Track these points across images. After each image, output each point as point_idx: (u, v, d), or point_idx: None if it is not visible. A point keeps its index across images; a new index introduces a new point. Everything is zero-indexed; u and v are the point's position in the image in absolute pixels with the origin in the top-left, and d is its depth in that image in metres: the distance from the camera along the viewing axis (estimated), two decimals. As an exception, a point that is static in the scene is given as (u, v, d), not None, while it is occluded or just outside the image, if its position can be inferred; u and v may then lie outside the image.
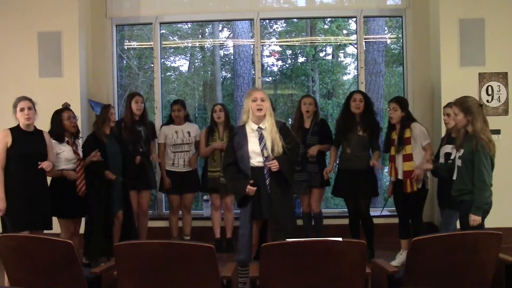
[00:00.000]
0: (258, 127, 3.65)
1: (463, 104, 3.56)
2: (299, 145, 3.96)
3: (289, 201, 3.79)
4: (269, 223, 3.69)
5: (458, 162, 3.64)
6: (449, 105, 4.35)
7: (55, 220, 4.26)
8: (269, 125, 3.63)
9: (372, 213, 5.04)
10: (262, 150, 3.61)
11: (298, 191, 5.07)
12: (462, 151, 3.60)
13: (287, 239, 2.69)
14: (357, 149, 4.79)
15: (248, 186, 3.57)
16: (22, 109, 3.93)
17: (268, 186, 3.61)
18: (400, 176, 4.58)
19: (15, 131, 3.95)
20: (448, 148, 4.24)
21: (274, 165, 3.58)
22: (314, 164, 4.95)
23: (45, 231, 4.02)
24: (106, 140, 4.67)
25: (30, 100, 3.99)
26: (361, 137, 4.78)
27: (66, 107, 4.86)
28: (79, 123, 4.91)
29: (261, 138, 3.63)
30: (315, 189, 5.01)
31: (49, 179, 4.29)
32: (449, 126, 4.29)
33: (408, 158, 4.52)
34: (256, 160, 3.63)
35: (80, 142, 4.67)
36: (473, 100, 3.59)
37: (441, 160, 4.31)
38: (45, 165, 3.96)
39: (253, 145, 3.63)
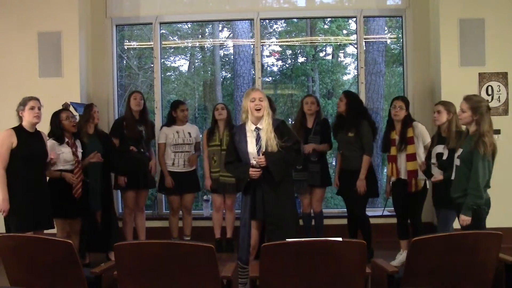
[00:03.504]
0: (256, 128, 3.65)
1: (474, 102, 3.53)
2: (300, 142, 3.87)
3: (288, 201, 3.73)
4: (266, 224, 3.68)
5: (457, 162, 3.62)
6: (440, 102, 4.34)
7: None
8: (265, 125, 3.62)
9: (372, 213, 5.04)
10: (258, 152, 3.61)
11: (299, 190, 5.08)
12: (461, 150, 3.58)
13: (287, 239, 2.68)
14: (346, 150, 4.80)
15: (251, 169, 3.56)
16: (32, 108, 3.94)
17: (263, 187, 3.60)
18: (403, 176, 4.57)
19: (19, 131, 3.95)
20: (439, 148, 4.22)
21: (261, 160, 3.56)
22: (315, 164, 4.96)
23: (46, 231, 4.04)
24: (87, 140, 4.68)
25: (39, 101, 4.02)
26: (348, 137, 4.77)
27: (65, 108, 4.86)
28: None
29: (257, 139, 3.63)
30: (317, 189, 5.03)
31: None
32: (438, 123, 4.27)
33: (411, 157, 4.51)
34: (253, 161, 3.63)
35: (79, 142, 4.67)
36: (484, 101, 3.57)
37: (433, 160, 4.28)
38: (53, 155, 4.09)
39: (251, 147, 3.64)
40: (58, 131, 4.39)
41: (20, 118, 4.00)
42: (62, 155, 4.35)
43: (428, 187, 4.60)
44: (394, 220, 4.81)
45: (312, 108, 5.02)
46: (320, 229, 5.11)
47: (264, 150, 3.59)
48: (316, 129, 5.01)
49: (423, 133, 4.57)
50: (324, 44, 8.87)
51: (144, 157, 5.12)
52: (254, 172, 3.56)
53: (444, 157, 4.09)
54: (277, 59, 8.73)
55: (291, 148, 3.64)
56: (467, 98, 3.58)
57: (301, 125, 5.05)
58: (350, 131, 4.76)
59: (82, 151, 4.53)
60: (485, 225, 3.52)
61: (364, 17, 5.96)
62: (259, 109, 3.60)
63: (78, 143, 4.54)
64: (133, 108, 5.10)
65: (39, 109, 3.98)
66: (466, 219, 3.45)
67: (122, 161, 4.91)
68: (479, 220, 3.50)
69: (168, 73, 8.67)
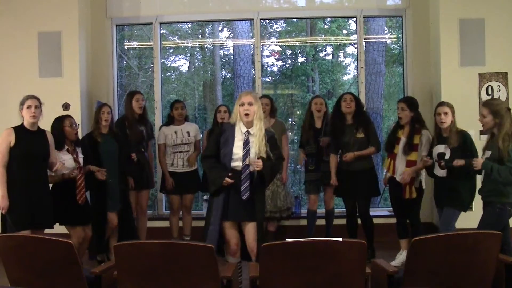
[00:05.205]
0: (247, 131, 3.61)
1: (492, 106, 3.72)
2: (283, 159, 4.03)
3: (260, 203, 3.69)
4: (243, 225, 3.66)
5: None
6: (442, 104, 4.32)
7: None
8: (256, 130, 3.57)
9: (373, 213, 5.05)
10: (244, 156, 3.56)
11: (310, 190, 5.12)
12: (489, 153, 3.71)
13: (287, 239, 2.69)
14: (357, 151, 4.77)
15: (226, 178, 3.53)
16: (29, 107, 3.93)
17: (242, 191, 3.55)
18: (397, 178, 4.55)
19: (19, 130, 3.95)
20: (441, 148, 4.21)
21: (259, 163, 3.53)
22: (327, 163, 4.99)
23: (47, 231, 4.01)
24: (100, 140, 4.66)
25: (38, 99, 4.00)
26: (359, 139, 4.77)
27: (65, 108, 4.86)
28: (79, 123, 4.90)
29: (246, 143, 3.58)
30: (329, 187, 5.07)
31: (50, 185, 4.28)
32: (444, 125, 4.25)
33: (411, 164, 4.47)
34: (236, 163, 3.58)
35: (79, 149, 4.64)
36: (502, 103, 3.75)
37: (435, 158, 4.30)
38: (59, 165, 4.05)
39: (237, 148, 3.59)
40: (59, 137, 4.32)
41: (22, 117, 4.00)
42: (64, 163, 4.33)
43: (424, 187, 4.60)
44: (394, 220, 4.81)
45: (321, 109, 5.11)
46: (330, 224, 5.20)
47: (251, 156, 3.55)
48: (326, 130, 5.05)
49: (426, 144, 4.47)
50: (324, 44, 8.88)
51: (143, 157, 5.10)
52: (228, 181, 3.52)
53: (447, 157, 4.13)
54: (277, 59, 8.74)
55: (277, 161, 3.70)
56: (486, 103, 3.78)
57: (310, 126, 5.12)
58: (359, 132, 4.78)
59: (83, 156, 4.50)
60: (507, 224, 3.59)
61: (364, 17, 5.97)
62: (247, 114, 3.57)
63: (78, 149, 4.51)
64: (136, 111, 5.08)
65: (36, 108, 3.94)
66: (479, 164, 3.69)
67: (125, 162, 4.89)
68: (501, 218, 3.61)
69: (168, 73, 8.68)
